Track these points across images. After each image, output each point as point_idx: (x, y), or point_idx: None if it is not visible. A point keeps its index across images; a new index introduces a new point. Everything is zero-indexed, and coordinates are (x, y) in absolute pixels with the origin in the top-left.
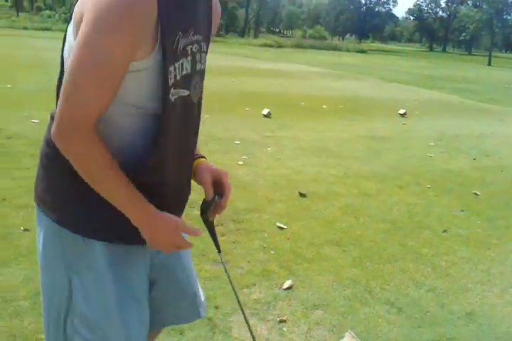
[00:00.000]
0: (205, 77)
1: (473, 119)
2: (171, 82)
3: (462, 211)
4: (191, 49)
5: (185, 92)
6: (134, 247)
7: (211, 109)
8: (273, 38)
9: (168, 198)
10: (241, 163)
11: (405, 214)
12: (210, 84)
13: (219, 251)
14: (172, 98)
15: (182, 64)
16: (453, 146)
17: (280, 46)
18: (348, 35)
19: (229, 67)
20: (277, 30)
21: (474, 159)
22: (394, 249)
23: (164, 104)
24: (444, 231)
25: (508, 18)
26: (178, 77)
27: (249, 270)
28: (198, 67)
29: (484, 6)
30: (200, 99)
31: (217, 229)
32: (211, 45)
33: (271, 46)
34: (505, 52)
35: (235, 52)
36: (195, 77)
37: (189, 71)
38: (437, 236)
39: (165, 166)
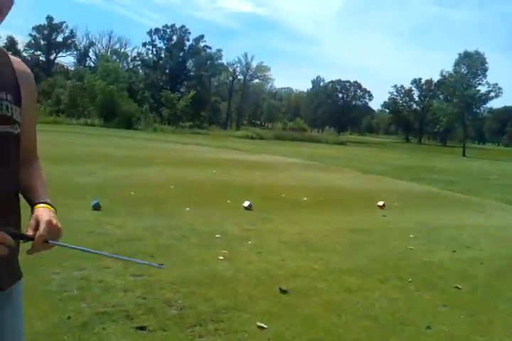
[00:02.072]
0: (186, 169)
1: (452, 211)
2: None
3: (445, 306)
4: None
5: None
6: None
7: (192, 202)
8: (254, 129)
9: None
10: (221, 257)
11: (387, 310)
12: (192, 175)
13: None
14: None
15: None
16: (433, 238)
17: (261, 138)
18: (327, 127)
19: (211, 158)
20: (258, 122)
21: (454, 251)
22: None
23: None
24: (428, 327)
25: (478, 111)
26: None
27: None
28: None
29: (455, 100)
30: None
31: (196, 330)
32: (193, 137)
33: (252, 138)
34: (478, 143)
35: (217, 144)
36: None
37: None
38: (421, 333)
39: None
